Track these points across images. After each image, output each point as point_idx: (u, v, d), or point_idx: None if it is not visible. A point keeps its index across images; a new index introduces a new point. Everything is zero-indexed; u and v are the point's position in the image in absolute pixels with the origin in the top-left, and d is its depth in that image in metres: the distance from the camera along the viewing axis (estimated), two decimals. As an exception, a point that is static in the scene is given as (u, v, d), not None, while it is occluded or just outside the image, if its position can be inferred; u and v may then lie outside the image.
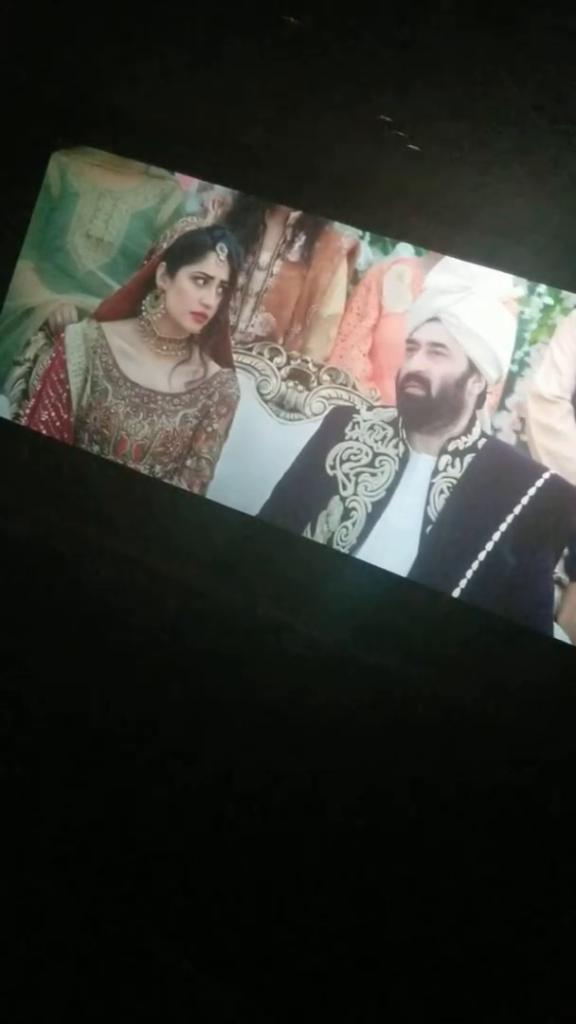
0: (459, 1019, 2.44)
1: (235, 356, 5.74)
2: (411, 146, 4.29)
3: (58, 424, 6.06)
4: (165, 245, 5.88)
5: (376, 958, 2.51)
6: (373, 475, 5.45)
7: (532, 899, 2.96)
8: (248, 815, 2.89)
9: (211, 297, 5.73)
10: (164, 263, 5.86)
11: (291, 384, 5.66)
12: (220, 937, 2.42)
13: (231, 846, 2.75)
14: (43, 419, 6.10)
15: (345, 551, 5.44)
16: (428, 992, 2.46)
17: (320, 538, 5.50)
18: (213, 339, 5.77)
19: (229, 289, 5.74)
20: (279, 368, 5.68)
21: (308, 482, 5.56)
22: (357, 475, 5.47)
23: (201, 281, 5.74)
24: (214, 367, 5.76)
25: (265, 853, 2.74)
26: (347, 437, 5.52)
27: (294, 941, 2.48)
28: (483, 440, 5.30)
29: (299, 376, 5.65)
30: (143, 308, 5.90)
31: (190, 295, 5.77)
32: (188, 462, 5.76)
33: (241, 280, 5.73)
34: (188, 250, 5.83)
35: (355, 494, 5.46)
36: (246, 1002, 2.24)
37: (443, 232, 5.31)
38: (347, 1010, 2.34)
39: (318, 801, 3.07)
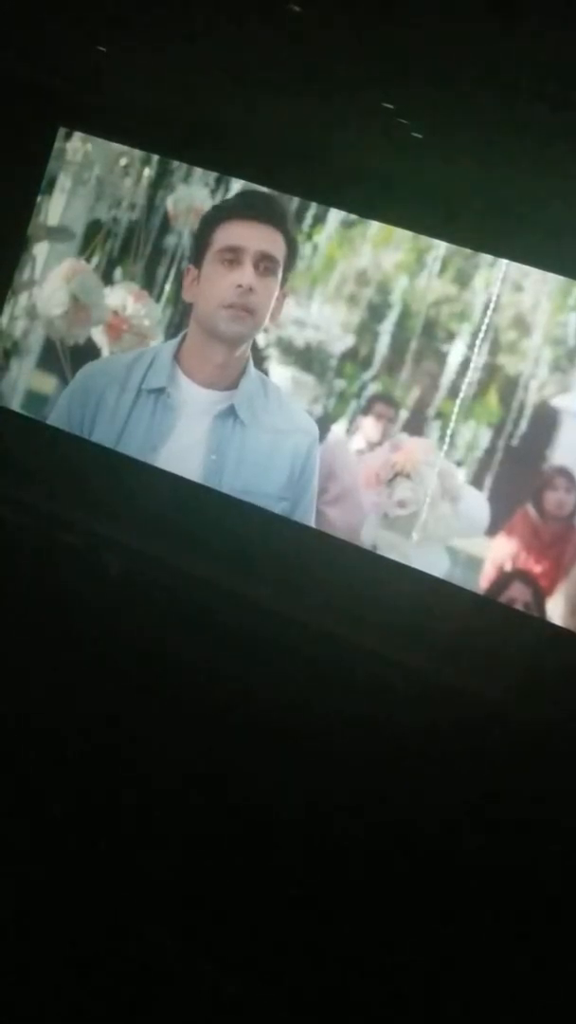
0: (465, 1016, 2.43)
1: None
2: (414, 134, 4.28)
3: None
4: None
5: (377, 950, 2.51)
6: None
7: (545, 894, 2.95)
8: (255, 807, 2.89)
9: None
10: None
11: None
12: (222, 926, 2.43)
13: (239, 834, 2.75)
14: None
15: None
16: (436, 986, 2.45)
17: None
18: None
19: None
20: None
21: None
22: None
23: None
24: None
25: (271, 844, 2.75)
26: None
27: (297, 933, 2.48)
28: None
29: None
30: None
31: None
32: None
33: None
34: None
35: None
36: (249, 991, 2.25)
37: (444, 219, 5.29)
38: (350, 1003, 2.34)
39: (326, 795, 3.07)
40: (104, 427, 5.71)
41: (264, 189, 5.65)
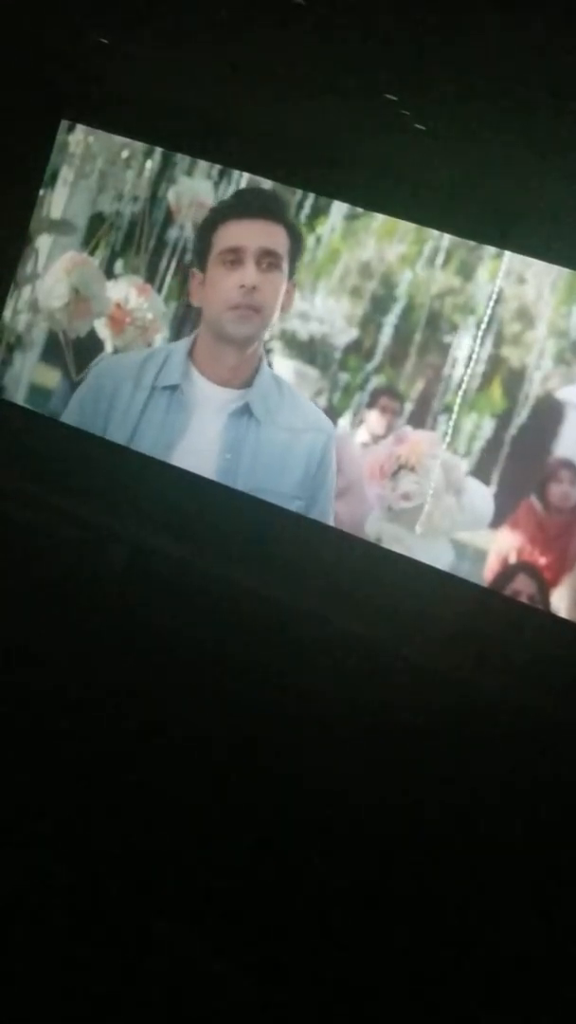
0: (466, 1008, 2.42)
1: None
2: (417, 125, 4.27)
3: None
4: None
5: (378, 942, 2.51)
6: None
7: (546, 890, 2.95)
8: (261, 799, 2.89)
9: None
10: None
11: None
12: (227, 917, 2.43)
13: (242, 825, 2.75)
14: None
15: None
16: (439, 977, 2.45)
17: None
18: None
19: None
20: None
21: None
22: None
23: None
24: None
25: (275, 835, 2.75)
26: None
27: (302, 925, 2.48)
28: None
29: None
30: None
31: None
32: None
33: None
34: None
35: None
36: (254, 983, 2.25)
37: (447, 210, 5.28)
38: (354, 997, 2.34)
39: (330, 786, 3.08)
40: (117, 425, 5.71)
41: (266, 181, 5.64)
